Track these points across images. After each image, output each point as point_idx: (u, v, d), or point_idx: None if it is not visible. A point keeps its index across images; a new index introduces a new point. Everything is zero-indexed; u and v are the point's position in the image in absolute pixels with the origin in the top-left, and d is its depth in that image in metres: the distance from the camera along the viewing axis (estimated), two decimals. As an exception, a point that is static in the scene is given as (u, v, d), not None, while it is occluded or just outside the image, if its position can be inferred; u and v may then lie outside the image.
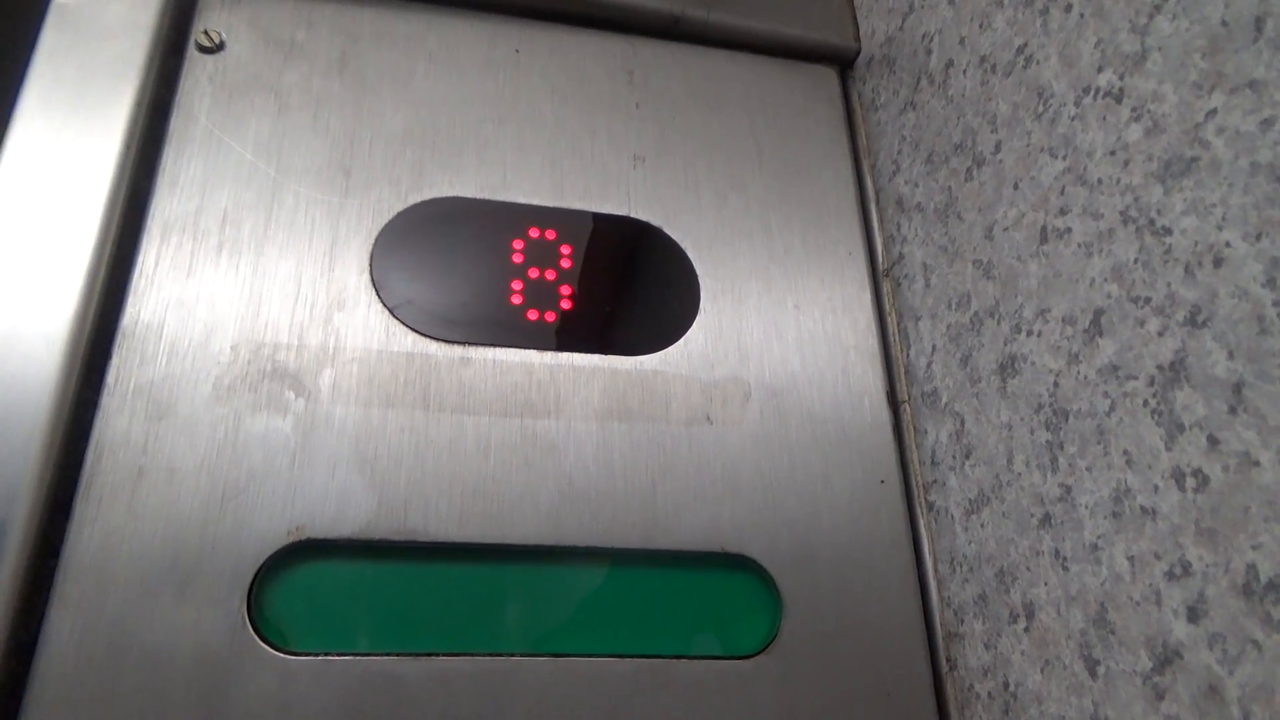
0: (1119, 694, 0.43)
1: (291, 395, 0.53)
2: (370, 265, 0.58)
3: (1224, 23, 0.41)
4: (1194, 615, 0.40)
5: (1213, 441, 0.39)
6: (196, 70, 0.60)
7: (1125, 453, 0.44)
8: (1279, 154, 0.37)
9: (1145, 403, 0.43)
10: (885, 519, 0.60)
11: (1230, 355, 0.39)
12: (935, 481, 0.61)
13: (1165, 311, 0.43)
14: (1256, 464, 0.37)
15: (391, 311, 0.57)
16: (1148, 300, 0.44)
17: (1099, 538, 0.46)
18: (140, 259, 0.54)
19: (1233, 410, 0.39)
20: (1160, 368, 0.43)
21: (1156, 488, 0.42)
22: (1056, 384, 0.50)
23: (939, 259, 0.62)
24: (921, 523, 0.61)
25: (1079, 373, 0.48)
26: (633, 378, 0.59)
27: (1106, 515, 0.45)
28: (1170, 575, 0.41)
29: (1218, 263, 0.40)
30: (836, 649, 0.56)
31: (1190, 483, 0.40)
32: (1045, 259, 0.51)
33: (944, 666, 0.57)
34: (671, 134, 0.69)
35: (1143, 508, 0.43)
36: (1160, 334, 0.43)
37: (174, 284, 0.54)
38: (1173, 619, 0.41)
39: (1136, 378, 0.44)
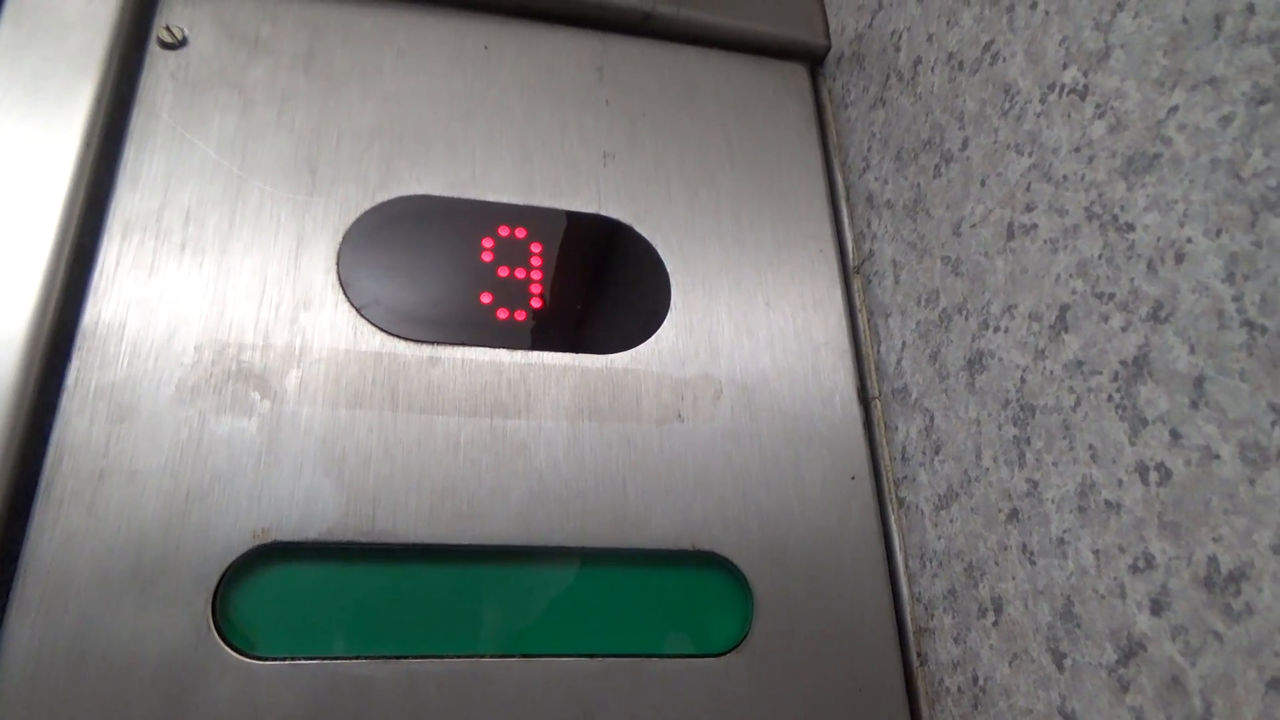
0: (1085, 686, 0.44)
1: (257, 396, 0.53)
2: (337, 264, 0.57)
3: (1185, 20, 0.41)
4: (1157, 608, 0.40)
5: (1175, 435, 0.40)
6: (158, 66, 0.60)
7: (1090, 447, 0.45)
8: (1238, 151, 0.38)
9: (1110, 397, 0.44)
10: (856, 515, 0.60)
11: (1191, 350, 0.39)
12: (906, 477, 0.61)
13: (1129, 307, 0.43)
14: (1217, 457, 0.38)
15: (359, 310, 0.56)
16: (1112, 296, 0.44)
17: (1065, 532, 0.46)
18: (101, 258, 0.54)
19: (1194, 404, 0.39)
20: (1124, 363, 0.43)
21: (1120, 482, 0.43)
22: (1023, 379, 0.50)
23: (908, 255, 0.63)
24: (892, 518, 0.61)
25: (1045, 368, 0.48)
26: (604, 376, 0.59)
27: (1072, 509, 0.46)
28: (1134, 568, 0.41)
29: (1179, 259, 0.40)
30: (808, 645, 0.56)
31: (1153, 476, 0.41)
32: (1012, 255, 0.52)
33: (915, 661, 0.57)
34: (642, 130, 0.69)
35: (1107, 502, 0.43)
36: (1124, 329, 0.43)
37: (135, 283, 0.53)
38: (1136, 611, 0.41)
39: (1101, 373, 0.44)
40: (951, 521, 0.56)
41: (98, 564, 0.47)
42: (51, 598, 0.46)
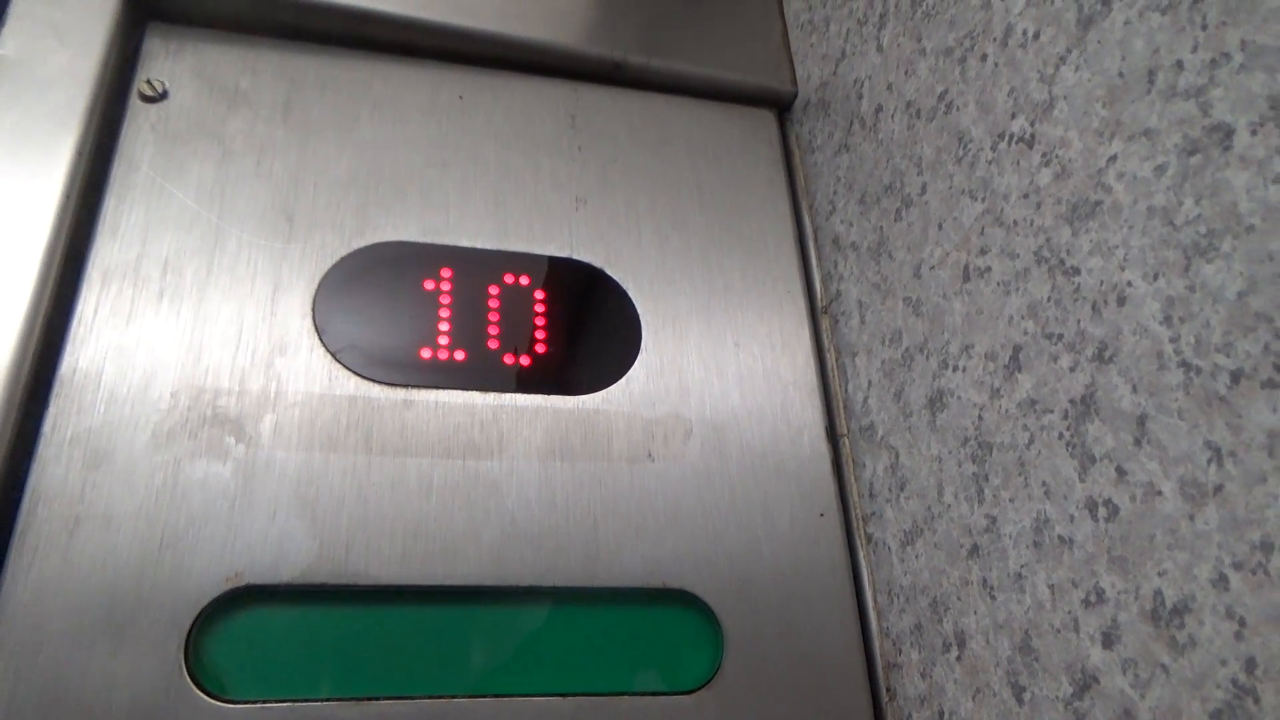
0: (1044, 719, 0.45)
1: (232, 440, 0.53)
2: (313, 309, 0.59)
3: (1121, 74, 0.43)
4: (1108, 641, 0.41)
5: (1121, 472, 0.41)
6: (139, 119, 0.61)
7: (1044, 484, 0.46)
8: (1171, 199, 0.40)
9: (1060, 435, 0.45)
10: (825, 551, 0.61)
11: (1134, 389, 0.41)
12: (873, 514, 0.62)
13: (1076, 348, 0.45)
14: (1159, 494, 0.39)
15: (334, 355, 0.57)
16: (1060, 337, 0.46)
17: (1022, 567, 0.47)
18: (79, 307, 0.55)
19: (1137, 442, 0.40)
20: (1073, 401, 0.45)
21: (1072, 518, 0.44)
22: (980, 418, 0.51)
23: (873, 296, 0.64)
24: (861, 554, 0.62)
25: (1000, 407, 0.50)
26: (575, 416, 0.60)
27: (1028, 545, 0.47)
28: (1086, 602, 0.43)
29: (1121, 301, 0.42)
30: (779, 681, 0.57)
31: (1102, 512, 0.42)
32: (968, 297, 0.53)
33: (884, 696, 0.58)
34: (613, 176, 0.70)
35: (1060, 537, 0.45)
36: (1072, 369, 0.45)
37: (113, 331, 0.54)
38: (1090, 645, 0.42)
39: (1052, 411, 0.46)
40: (917, 557, 0.57)
41: (71, 611, 0.48)
42: (24, 645, 0.46)
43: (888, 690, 0.58)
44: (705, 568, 0.58)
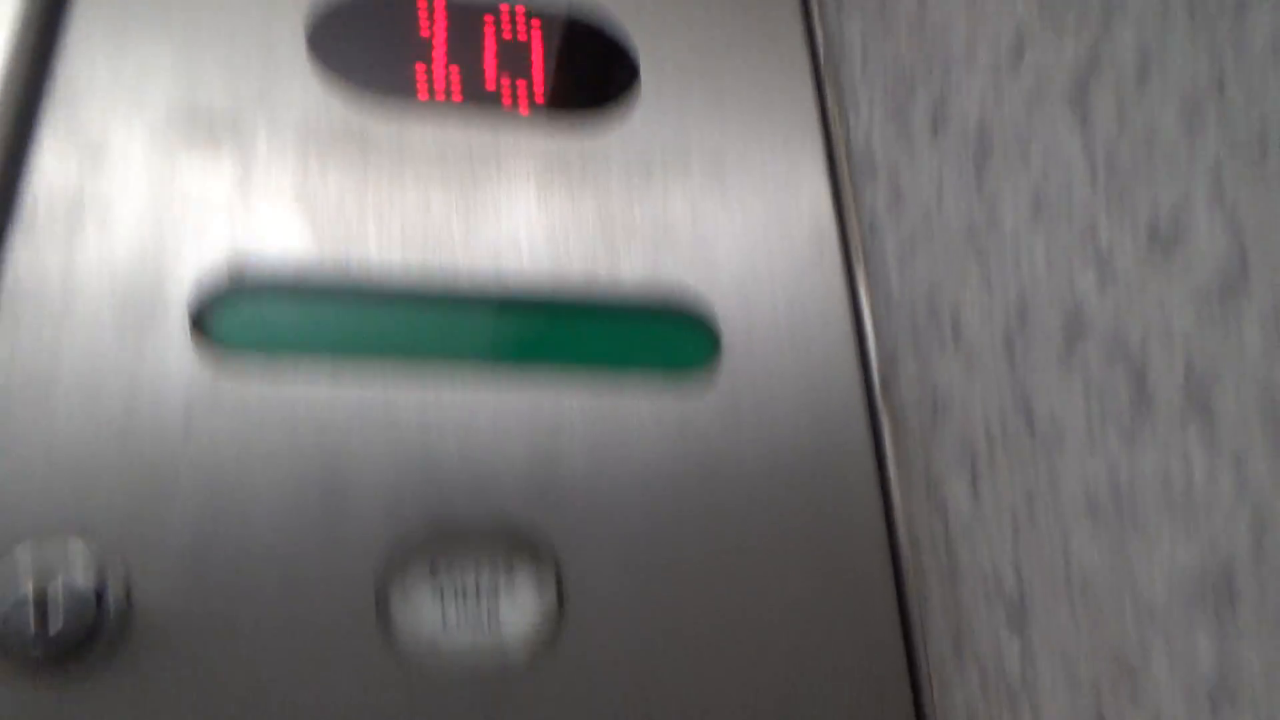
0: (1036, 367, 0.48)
1: (229, 146, 0.54)
2: (309, 30, 0.58)
3: None
4: (1101, 283, 0.43)
5: (1121, 121, 0.43)
6: None
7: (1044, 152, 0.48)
8: None
9: (1062, 95, 0.46)
10: (827, 267, 0.63)
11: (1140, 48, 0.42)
12: (873, 229, 0.64)
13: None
14: (1157, 131, 0.40)
15: (330, 75, 0.57)
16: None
17: (1020, 240, 0.49)
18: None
19: (1140, 82, 0.42)
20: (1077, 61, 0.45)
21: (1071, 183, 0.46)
22: (983, 114, 0.52)
23: (875, 26, 0.64)
24: (858, 270, 0.64)
25: (1004, 90, 0.51)
26: (573, 148, 0.61)
27: (1027, 218, 0.49)
28: (1084, 257, 0.45)
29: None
30: (775, 383, 0.59)
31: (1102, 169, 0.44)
32: (972, -12, 0.53)
33: (877, 389, 0.61)
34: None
35: (1058, 200, 0.46)
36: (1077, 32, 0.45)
37: (106, 41, 0.53)
38: (1085, 288, 0.45)
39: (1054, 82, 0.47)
40: (915, 256, 0.59)
41: (73, 295, 0.49)
42: (25, 327, 0.48)
43: (882, 382, 0.61)
44: (705, 280, 0.60)
